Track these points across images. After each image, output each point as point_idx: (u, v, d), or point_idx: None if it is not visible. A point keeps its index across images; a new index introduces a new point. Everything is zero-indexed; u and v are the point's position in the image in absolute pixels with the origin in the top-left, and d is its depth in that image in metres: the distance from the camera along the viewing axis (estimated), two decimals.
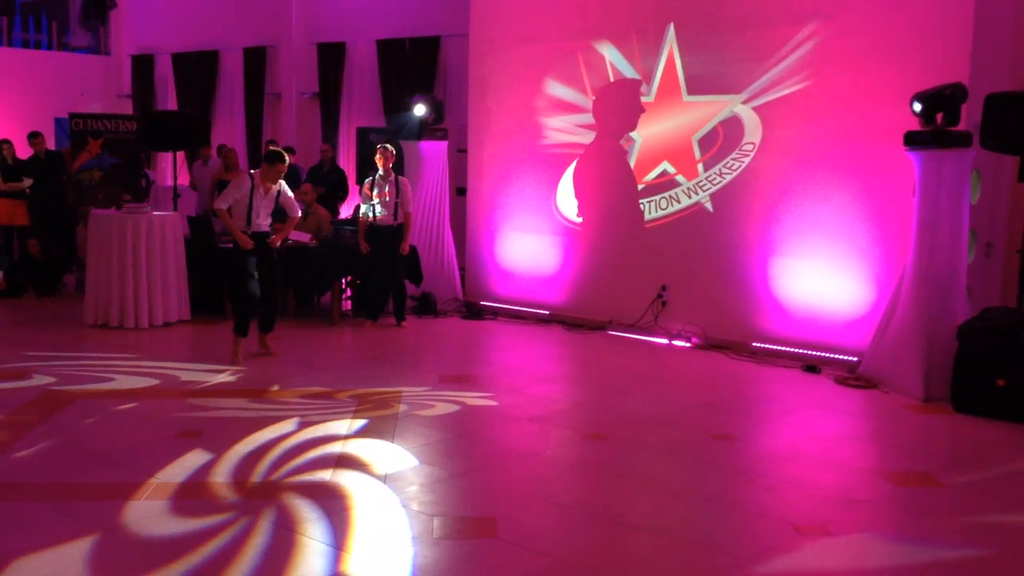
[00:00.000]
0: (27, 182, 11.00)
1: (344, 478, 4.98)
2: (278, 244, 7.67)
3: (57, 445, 5.47)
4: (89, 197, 11.08)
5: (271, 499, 4.65)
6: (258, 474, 5.03)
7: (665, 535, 4.37)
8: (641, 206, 9.11)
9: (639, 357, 8.25)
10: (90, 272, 9.01)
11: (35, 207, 11.03)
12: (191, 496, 4.71)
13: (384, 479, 4.99)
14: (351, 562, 4.01)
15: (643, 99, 9.02)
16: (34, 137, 11.23)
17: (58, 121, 14.42)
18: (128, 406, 6.27)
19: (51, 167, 11.15)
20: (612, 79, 9.25)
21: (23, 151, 11.44)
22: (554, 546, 4.24)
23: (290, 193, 7.80)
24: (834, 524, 4.50)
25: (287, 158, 7.67)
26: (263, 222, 7.58)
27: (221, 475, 4.99)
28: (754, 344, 8.24)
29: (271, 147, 7.81)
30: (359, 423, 5.99)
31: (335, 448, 5.47)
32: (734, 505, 4.77)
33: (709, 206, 8.66)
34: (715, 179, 8.61)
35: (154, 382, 6.95)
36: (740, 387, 7.36)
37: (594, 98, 9.37)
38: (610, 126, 9.31)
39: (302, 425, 5.89)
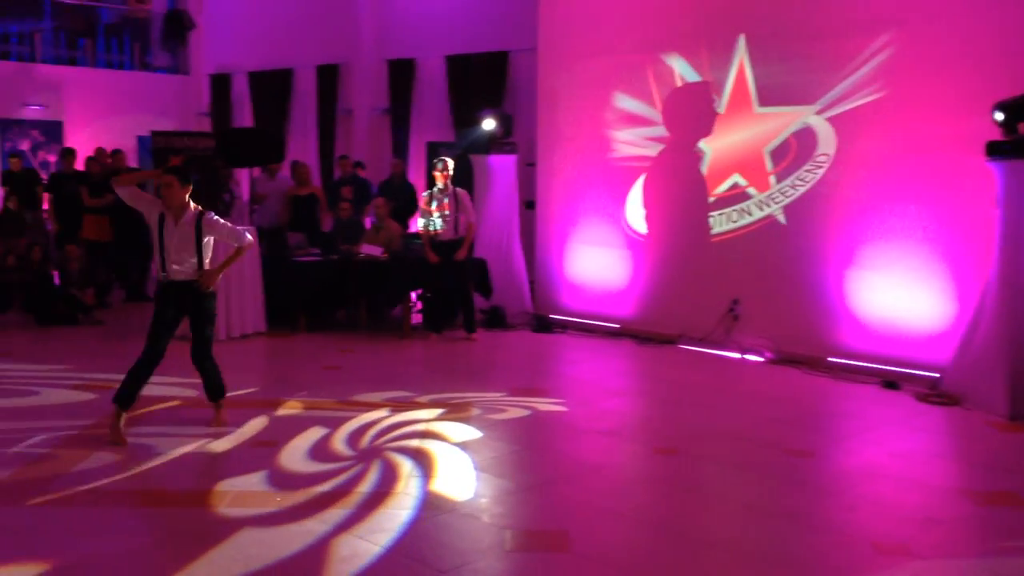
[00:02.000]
0: (110, 198, 11.33)
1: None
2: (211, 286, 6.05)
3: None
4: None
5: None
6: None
7: (739, 552, 4.31)
8: (711, 218, 9.02)
9: (710, 371, 8.17)
10: None
11: (117, 223, 11.36)
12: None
13: (456, 499, 5.01)
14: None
15: (714, 107, 8.94)
16: (116, 154, 11.59)
17: (140, 139, 14.86)
18: (211, 416, 6.41)
19: None
20: (681, 91, 9.19)
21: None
22: (627, 561, 4.21)
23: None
24: (915, 544, 4.38)
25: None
26: (175, 261, 5.91)
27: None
28: (830, 359, 8.09)
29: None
30: (430, 432, 6.03)
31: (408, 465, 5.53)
32: (810, 522, 4.68)
33: (782, 218, 8.54)
34: (788, 191, 8.49)
35: (247, 390, 7.09)
36: (815, 402, 7.22)
37: (664, 108, 9.33)
38: (681, 136, 9.25)
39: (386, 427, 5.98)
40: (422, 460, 5.53)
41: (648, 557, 4.28)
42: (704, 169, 9.08)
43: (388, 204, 10.34)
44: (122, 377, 5.91)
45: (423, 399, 6.92)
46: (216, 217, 6.03)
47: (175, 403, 6.73)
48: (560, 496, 5.06)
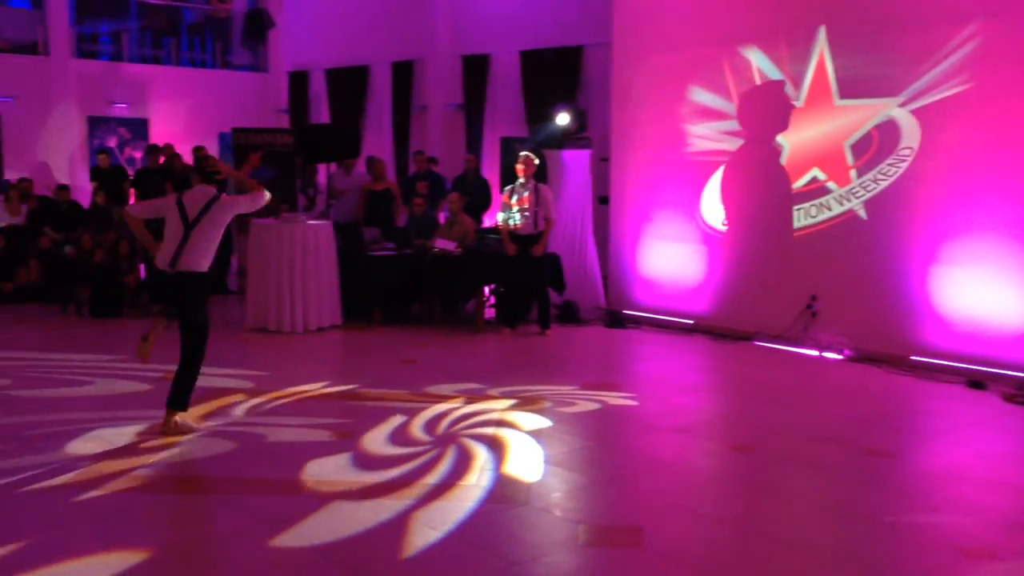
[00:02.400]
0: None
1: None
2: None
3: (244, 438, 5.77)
4: None
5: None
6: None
7: (817, 553, 4.23)
8: (791, 213, 8.87)
9: (787, 369, 8.03)
10: (250, 279, 9.45)
11: None
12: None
13: (528, 491, 5.03)
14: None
15: (792, 104, 8.79)
16: (198, 151, 11.88)
17: (221, 135, 15.22)
18: (290, 407, 6.54)
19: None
20: (759, 85, 9.06)
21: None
22: (702, 559, 4.17)
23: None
24: (1001, 548, 4.25)
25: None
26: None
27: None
28: (912, 357, 7.88)
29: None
30: (503, 430, 6.06)
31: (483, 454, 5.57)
32: (893, 525, 4.57)
33: (863, 213, 8.35)
34: (870, 185, 8.29)
35: (323, 382, 7.23)
36: (897, 402, 7.05)
37: (741, 102, 9.19)
38: (758, 131, 9.11)
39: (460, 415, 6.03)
40: (495, 452, 5.56)
41: (723, 556, 4.24)
42: (782, 163, 8.93)
43: (461, 199, 10.41)
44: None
45: (496, 392, 6.95)
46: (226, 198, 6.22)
47: (241, 396, 6.87)
48: (633, 492, 5.04)
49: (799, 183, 8.81)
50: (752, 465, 5.52)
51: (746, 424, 6.38)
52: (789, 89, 8.81)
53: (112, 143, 14.82)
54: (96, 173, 12.78)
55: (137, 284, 10.53)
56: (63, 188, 12.22)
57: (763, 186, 9.11)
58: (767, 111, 9.02)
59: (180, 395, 5.82)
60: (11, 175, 13.14)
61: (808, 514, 4.75)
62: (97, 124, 14.84)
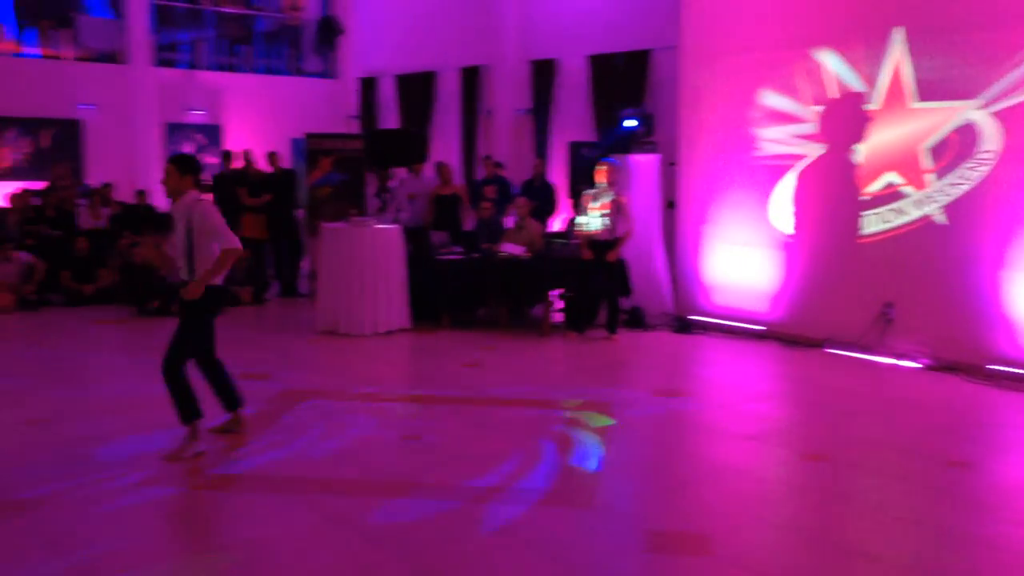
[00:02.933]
0: (266, 198, 11.86)
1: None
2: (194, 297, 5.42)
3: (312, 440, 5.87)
4: (321, 211, 11.83)
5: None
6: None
7: (889, 565, 4.14)
8: (863, 218, 8.70)
9: (861, 377, 7.87)
10: (321, 281, 9.60)
11: (272, 221, 11.88)
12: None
13: (593, 494, 5.02)
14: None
15: (869, 109, 8.62)
16: (272, 156, 12.13)
17: (293, 141, 15.49)
18: (359, 409, 6.63)
19: (286, 184, 11.99)
20: (832, 87, 8.90)
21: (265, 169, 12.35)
22: (772, 568, 4.12)
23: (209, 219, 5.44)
24: None
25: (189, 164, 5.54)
26: (177, 258, 5.58)
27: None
28: (990, 367, 7.66)
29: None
30: (570, 433, 6.06)
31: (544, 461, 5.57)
32: (973, 538, 4.45)
33: (941, 218, 8.15)
34: (948, 190, 8.09)
35: (383, 386, 7.31)
36: (976, 412, 6.86)
37: (816, 108, 9.04)
38: (831, 135, 8.95)
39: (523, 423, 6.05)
40: (561, 455, 5.56)
41: (793, 566, 4.17)
42: (856, 167, 8.76)
43: (529, 204, 10.43)
44: (262, 369, 6.16)
45: (562, 396, 6.95)
46: (208, 207, 5.44)
47: (310, 396, 6.98)
48: (701, 499, 4.99)
49: (873, 187, 8.63)
50: (824, 474, 5.42)
51: (818, 432, 6.27)
52: (864, 92, 8.65)
53: (188, 149, 15.20)
54: None
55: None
56: (142, 193, 12.56)
57: (836, 190, 8.95)
58: (840, 114, 8.86)
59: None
60: (93, 180, 13.56)
61: (882, 525, 4.65)
62: (174, 131, 15.24)
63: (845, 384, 7.60)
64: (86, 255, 11.12)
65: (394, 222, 10.27)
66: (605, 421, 6.33)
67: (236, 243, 5.41)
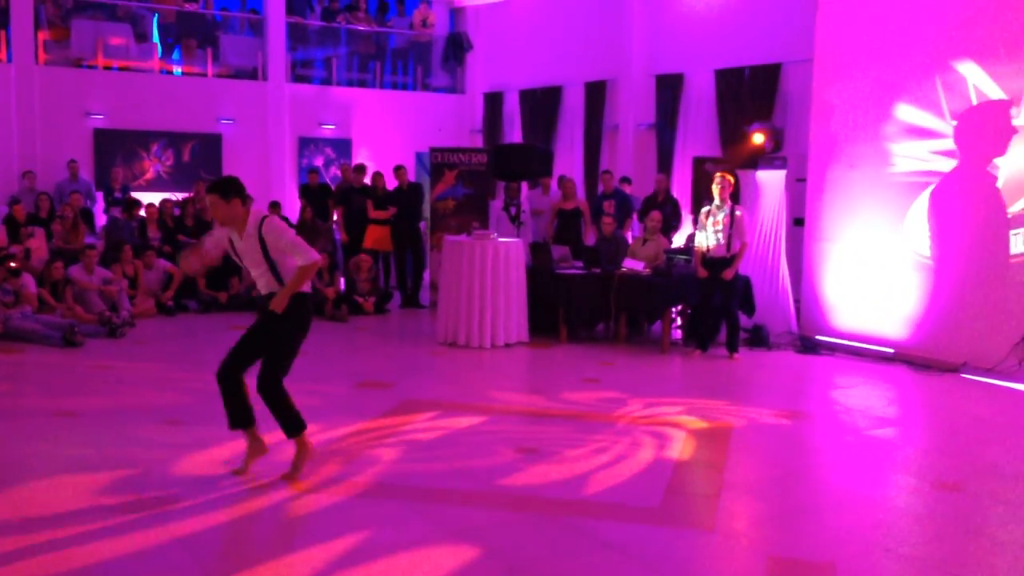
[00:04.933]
0: (392, 210, 12.13)
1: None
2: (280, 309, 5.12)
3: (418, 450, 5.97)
4: (443, 224, 12.03)
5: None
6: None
7: None
8: (1007, 239, 8.27)
9: (1000, 405, 7.47)
10: (442, 294, 9.74)
11: (396, 233, 12.13)
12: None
13: (713, 517, 4.91)
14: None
15: (1013, 122, 8.21)
16: (398, 170, 12.41)
17: (418, 155, 15.82)
18: (477, 421, 6.69)
19: (412, 197, 12.23)
20: (975, 101, 8.52)
21: (390, 182, 12.65)
22: None
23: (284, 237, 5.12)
24: None
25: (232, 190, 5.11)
26: (256, 278, 5.32)
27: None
28: None
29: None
30: (688, 453, 5.96)
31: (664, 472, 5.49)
32: None
33: None
34: None
35: (502, 399, 7.36)
36: None
37: (954, 122, 8.67)
38: (972, 151, 8.56)
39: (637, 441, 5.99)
40: (680, 475, 5.47)
41: None
42: (999, 185, 8.35)
43: (660, 219, 10.29)
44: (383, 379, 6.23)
45: (682, 415, 6.85)
46: (278, 223, 5.14)
47: (429, 408, 7.07)
48: (825, 525, 4.82)
49: (1016, 206, 8.20)
50: (957, 505, 5.16)
51: (951, 461, 5.98)
52: (1009, 106, 8.24)
53: (318, 162, 15.71)
54: (305, 191, 13.58)
55: (336, 295, 11.09)
56: (275, 204, 13.04)
57: (976, 209, 8.55)
58: (983, 130, 8.46)
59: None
60: None
61: (1018, 561, 4.39)
62: (306, 144, 15.78)
63: (982, 411, 7.23)
64: (221, 264, 11.59)
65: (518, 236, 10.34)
66: (725, 441, 6.19)
67: (314, 256, 5.12)
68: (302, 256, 5.07)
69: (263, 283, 5.21)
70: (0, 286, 9.42)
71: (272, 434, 5.37)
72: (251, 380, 5.21)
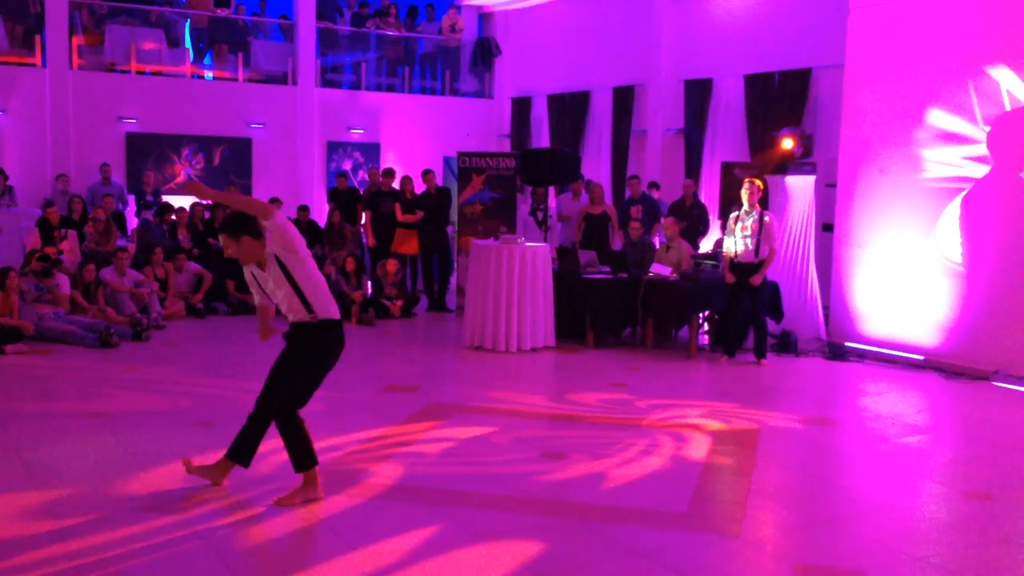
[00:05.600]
0: (420, 214, 12.18)
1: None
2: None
3: (440, 456, 5.98)
4: (471, 228, 12.06)
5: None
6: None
7: None
8: None
9: None
10: (469, 297, 9.76)
11: (424, 237, 12.17)
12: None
13: (739, 525, 4.89)
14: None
15: None
16: (426, 174, 12.45)
17: (446, 159, 15.87)
18: (503, 425, 6.70)
19: (439, 201, 12.27)
20: (1008, 106, 8.42)
21: (419, 187, 12.70)
22: None
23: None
24: None
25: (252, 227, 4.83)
26: (282, 306, 5.01)
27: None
28: None
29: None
30: (715, 460, 5.93)
31: (691, 471, 5.47)
32: None
33: None
34: None
35: (521, 406, 7.37)
36: None
37: (987, 128, 8.57)
38: (1007, 158, 8.46)
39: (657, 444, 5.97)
40: (706, 482, 5.45)
41: None
42: None
43: (678, 224, 10.30)
44: (410, 382, 6.24)
45: (710, 421, 6.82)
46: (277, 224, 4.78)
47: (456, 412, 7.07)
48: (853, 534, 4.78)
49: None
50: (988, 514, 5.10)
51: (982, 470, 5.91)
52: None
53: (347, 166, 15.81)
54: (333, 194, 13.66)
55: (363, 299, 11.15)
56: (303, 208, 13.13)
57: (1008, 216, 8.45)
58: (1016, 136, 8.36)
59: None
60: (259, 195, 14.27)
61: None
62: (334, 148, 15.89)
63: (1014, 420, 7.14)
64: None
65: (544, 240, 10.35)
66: (752, 448, 6.16)
67: (272, 213, 4.71)
68: (262, 212, 4.72)
69: (287, 306, 4.90)
70: (37, 284, 9.55)
71: (270, 441, 5.38)
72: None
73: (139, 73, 14.56)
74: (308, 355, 4.92)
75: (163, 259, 11.06)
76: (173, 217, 12.29)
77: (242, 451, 5.06)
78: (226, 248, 4.85)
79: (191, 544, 4.39)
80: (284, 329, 5.07)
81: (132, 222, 13.27)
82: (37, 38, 13.91)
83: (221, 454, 5.16)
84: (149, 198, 13.36)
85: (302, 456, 4.90)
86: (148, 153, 14.34)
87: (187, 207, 12.51)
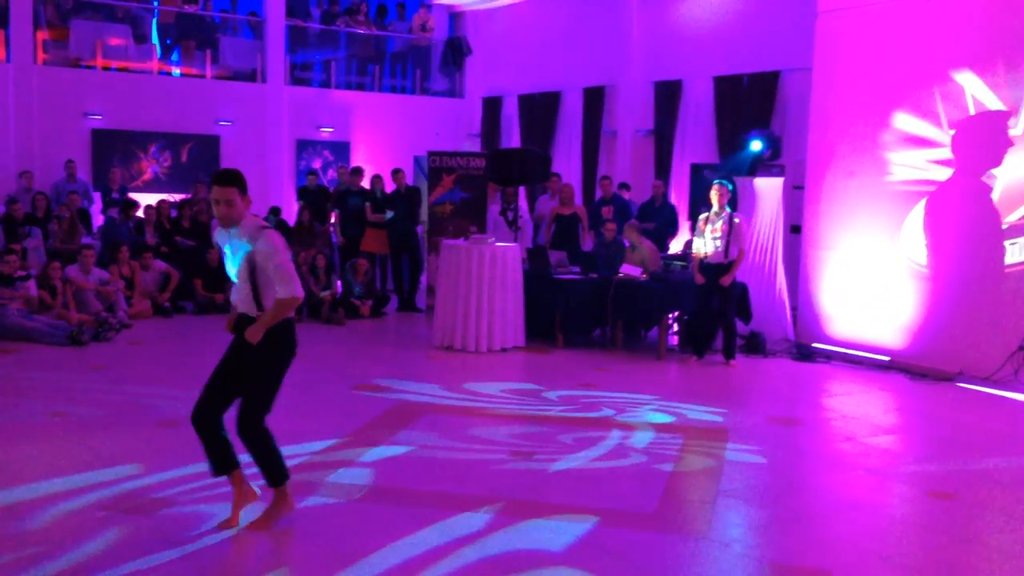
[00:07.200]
0: (389, 214, 12.13)
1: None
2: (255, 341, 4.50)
3: (409, 456, 5.96)
4: (441, 228, 12.03)
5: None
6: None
7: None
8: (1002, 248, 8.29)
9: (995, 413, 7.48)
10: (439, 298, 9.74)
11: (394, 236, 12.13)
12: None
13: (708, 524, 4.92)
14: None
15: (1010, 132, 8.23)
16: (396, 173, 12.41)
17: (416, 159, 15.83)
18: (472, 425, 6.69)
19: (409, 200, 12.23)
20: (973, 111, 8.54)
21: (388, 186, 12.65)
22: None
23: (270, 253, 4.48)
24: None
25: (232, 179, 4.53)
26: (237, 293, 4.66)
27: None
28: None
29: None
30: (684, 460, 5.96)
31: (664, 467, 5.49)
32: None
33: None
34: None
35: (489, 404, 7.36)
36: None
37: (952, 132, 8.69)
38: (970, 162, 8.58)
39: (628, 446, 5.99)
40: (674, 484, 5.47)
41: None
42: (996, 195, 8.37)
43: (634, 227, 10.25)
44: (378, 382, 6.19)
45: (679, 422, 6.85)
46: (274, 240, 4.51)
47: (427, 412, 7.05)
48: (820, 532, 4.83)
49: (1014, 216, 8.23)
50: (951, 513, 5.17)
51: (946, 469, 5.99)
52: (1006, 117, 8.26)
53: (317, 165, 15.72)
54: (303, 193, 13.57)
55: (333, 298, 11.09)
56: (275, 210, 13.04)
57: (973, 218, 8.57)
58: (981, 140, 8.48)
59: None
60: None
61: (1013, 570, 4.39)
62: (304, 147, 15.79)
63: (976, 420, 7.24)
64: (218, 265, 11.60)
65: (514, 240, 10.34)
66: (720, 448, 6.20)
67: (298, 292, 4.49)
68: (285, 288, 4.43)
69: (240, 299, 4.56)
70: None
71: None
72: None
73: (105, 69, 14.39)
74: (262, 360, 4.53)
75: (129, 257, 10.93)
76: (139, 214, 12.15)
77: (224, 462, 4.64)
78: (228, 205, 4.42)
79: (157, 546, 4.33)
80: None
81: (98, 220, 13.10)
82: (1, 33, 13.70)
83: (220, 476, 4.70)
84: (115, 195, 13.20)
85: (274, 470, 4.63)
86: (114, 150, 14.17)
87: (153, 204, 12.37)
